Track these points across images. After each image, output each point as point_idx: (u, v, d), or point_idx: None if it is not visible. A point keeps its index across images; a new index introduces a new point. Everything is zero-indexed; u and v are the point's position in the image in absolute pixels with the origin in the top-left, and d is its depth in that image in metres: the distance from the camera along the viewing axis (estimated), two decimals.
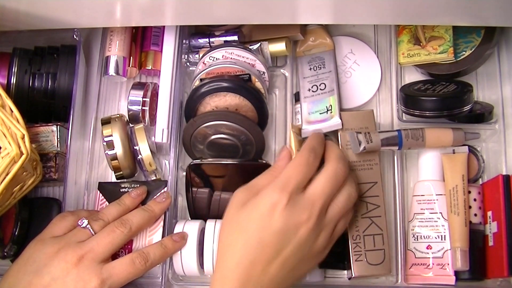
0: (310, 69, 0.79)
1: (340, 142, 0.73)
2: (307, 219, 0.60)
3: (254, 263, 0.60)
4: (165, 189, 0.73)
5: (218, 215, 0.73)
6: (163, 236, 0.70)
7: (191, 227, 0.69)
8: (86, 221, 0.66)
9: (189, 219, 0.74)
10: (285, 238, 0.60)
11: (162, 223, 0.71)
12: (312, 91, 0.78)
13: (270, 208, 0.60)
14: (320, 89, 0.77)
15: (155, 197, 0.72)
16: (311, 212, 0.60)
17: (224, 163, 0.73)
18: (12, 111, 0.64)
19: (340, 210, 0.63)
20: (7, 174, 0.61)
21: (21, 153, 0.61)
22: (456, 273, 0.70)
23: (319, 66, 0.78)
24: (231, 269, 0.60)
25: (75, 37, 0.76)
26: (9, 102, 0.64)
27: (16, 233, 0.71)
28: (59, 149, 0.74)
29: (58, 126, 0.75)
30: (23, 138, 0.62)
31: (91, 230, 0.66)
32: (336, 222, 0.64)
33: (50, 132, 0.74)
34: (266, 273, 0.60)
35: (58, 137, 0.75)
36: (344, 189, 0.64)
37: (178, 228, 0.70)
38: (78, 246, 0.64)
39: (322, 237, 0.62)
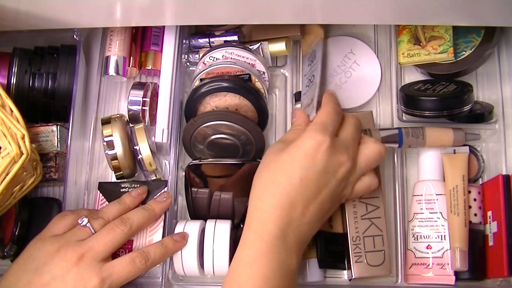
0: (309, 65, 0.78)
1: None
2: (346, 160, 0.64)
3: (295, 203, 0.61)
4: (165, 189, 0.73)
5: (218, 215, 0.73)
6: (163, 236, 0.70)
7: (192, 227, 0.69)
8: (86, 220, 0.66)
9: (189, 219, 0.74)
10: (326, 177, 0.62)
11: (162, 223, 0.71)
12: (306, 86, 0.77)
13: (315, 148, 0.62)
14: (311, 81, 0.76)
15: (155, 196, 0.72)
16: (348, 154, 0.64)
17: (224, 163, 0.73)
18: (12, 111, 0.64)
19: (367, 160, 0.66)
20: (7, 174, 0.60)
21: (21, 153, 0.61)
22: (456, 273, 0.70)
23: (312, 59, 0.78)
24: (270, 211, 0.61)
25: (75, 37, 0.76)
26: (9, 102, 0.64)
27: (16, 233, 0.71)
28: (59, 149, 0.74)
29: (58, 126, 0.75)
30: (23, 138, 0.62)
31: (91, 228, 0.66)
32: (362, 173, 0.66)
33: (50, 132, 0.74)
34: (304, 216, 0.61)
35: (58, 137, 0.75)
36: (370, 144, 0.66)
37: (178, 228, 0.70)
38: (78, 245, 0.64)
39: (350, 184, 0.65)
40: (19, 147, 0.61)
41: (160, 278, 0.71)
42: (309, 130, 0.64)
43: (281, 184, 0.61)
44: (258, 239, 0.60)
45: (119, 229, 0.66)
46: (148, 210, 0.69)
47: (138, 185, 0.73)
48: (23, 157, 0.61)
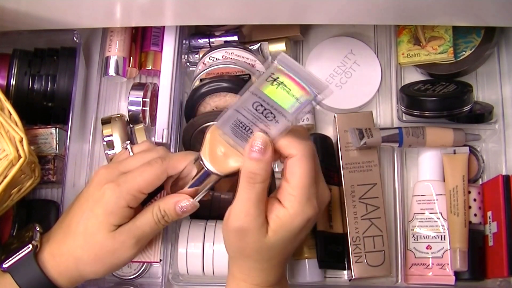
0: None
1: (339, 143, 0.73)
2: None
3: None
4: None
5: (219, 216, 0.72)
6: (163, 235, 0.70)
7: (196, 227, 0.69)
8: (128, 142, 0.65)
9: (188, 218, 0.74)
10: None
11: None
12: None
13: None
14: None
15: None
16: None
17: None
18: (10, 114, 0.63)
19: None
20: (5, 177, 0.60)
21: (19, 157, 0.61)
22: (456, 273, 0.70)
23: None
24: None
25: (75, 39, 0.76)
26: (7, 105, 0.64)
27: (14, 235, 0.70)
28: (57, 151, 0.74)
29: (57, 129, 0.75)
30: (21, 141, 0.61)
31: (130, 151, 0.64)
32: None
33: (49, 134, 0.74)
34: None
35: (57, 139, 0.74)
36: None
37: (183, 229, 0.70)
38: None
39: None
40: (17, 151, 0.61)
41: (160, 279, 0.71)
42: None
43: None
44: None
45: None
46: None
47: None
48: (21, 160, 0.61)
